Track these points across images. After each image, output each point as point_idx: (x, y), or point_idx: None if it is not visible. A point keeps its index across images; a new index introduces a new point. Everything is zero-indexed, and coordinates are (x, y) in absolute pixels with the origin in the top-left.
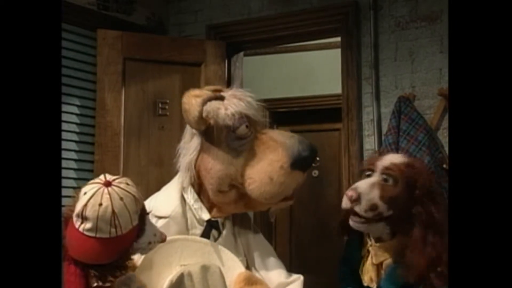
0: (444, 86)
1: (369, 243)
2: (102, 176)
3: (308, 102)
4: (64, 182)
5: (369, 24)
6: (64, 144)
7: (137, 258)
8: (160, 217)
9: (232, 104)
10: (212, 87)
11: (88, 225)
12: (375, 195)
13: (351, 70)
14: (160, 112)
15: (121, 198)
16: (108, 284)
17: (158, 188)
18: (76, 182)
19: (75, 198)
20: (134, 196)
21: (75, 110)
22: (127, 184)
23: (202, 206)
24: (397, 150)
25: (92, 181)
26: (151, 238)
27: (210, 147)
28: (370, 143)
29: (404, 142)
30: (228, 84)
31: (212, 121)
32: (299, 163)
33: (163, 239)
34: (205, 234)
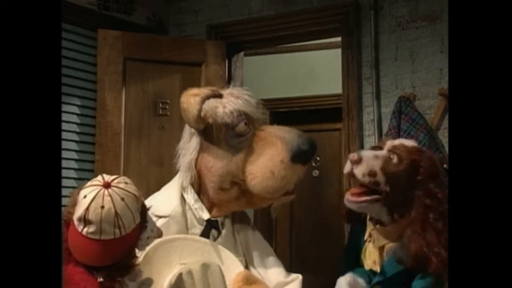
0: (444, 86)
1: (371, 227)
2: (100, 177)
3: (308, 102)
4: (65, 182)
5: (369, 24)
6: (65, 144)
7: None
8: (160, 217)
9: (230, 102)
10: (209, 88)
11: (91, 228)
12: (376, 164)
13: (351, 70)
14: (160, 112)
15: (122, 199)
16: (117, 284)
17: (158, 188)
18: (77, 182)
19: (72, 200)
20: (134, 195)
21: (76, 110)
22: (126, 183)
23: (202, 205)
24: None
25: (90, 182)
26: (149, 234)
27: (210, 146)
28: (370, 143)
29: None
30: (229, 84)
31: (210, 120)
32: (299, 156)
33: (159, 235)
34: (205, 234)
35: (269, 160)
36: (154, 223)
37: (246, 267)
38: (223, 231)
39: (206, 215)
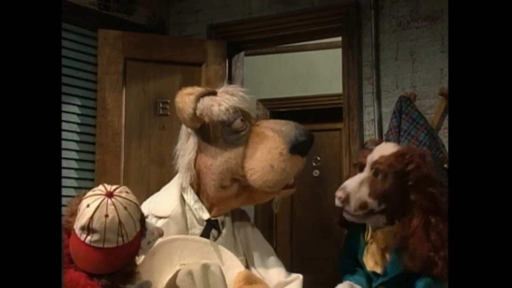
0: (445, 86)
1: (373, 229)
2: (101, 187)
3: (309, 102)
4: (65, 182)
5: (370, 24)
6: (65, 144)
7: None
8: (160, 217)
9: (225, 99)
10: (203, 87)
11: (95, 237)
12: (363, 193)
13: (352, 70)
14: (161, 112)
15: (125, 208)
16: (121, 286)
17: (159, 188)
18: (77, 182)
19: (70, 209)
20: (135, 204)
21: (76, 110)
22: (127, 192)
23: (202, 206)
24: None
25: (91, 192)
26: (150, 238)
27: (208, 145)
28: None
29: (405, 142)
30: (229, 84)
31: (207, 119)
32: (297, 147)
33: (160, 234)
34: (205, 234)
35: (267, 154)
36: (153, 226)
37: (247, 267)
38: (223, 231)
39: (206, 215)
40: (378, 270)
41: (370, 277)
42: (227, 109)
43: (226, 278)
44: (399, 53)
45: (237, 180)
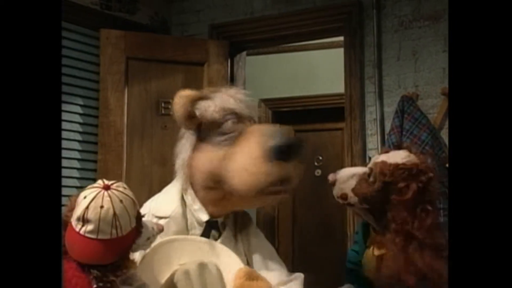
0: (447, 86)
1: (373, 234)
2: (100, 181)
3: (310, 101)
4: (68, 182)
5: (372, 24)
6: (67, 144)
7: (138, 257)
8: (160, 218)
9: (220, 100)
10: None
11: (89, 227)
12: (348, 185)
13: (354, 70)
14: (163, 111)
15: (121, 201)
16: (108, 285)
17: (161, 188)
18: (80, 182)
19: (70, 204)
20: (132, 199)
21: (78, 109)
22: (124, 188)
23: (201, 207)
24: (400, 149)
25: (90, 186)
26: (148, 234)
27: (201, 146)
28: (373, 143)
29: (407, 141)
30: (231, 83)
31: (203, 120)
32: (275, 153)
33: (160, 230)
34: (205, 235)
35: (242, 157)
36: (151, 223)
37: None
38: (224, 232)
39: (205, 217)
40: (372, 276)
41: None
42: (220, 109)
43: (226, 276)
44: (401, 52)
45: (221, 182)
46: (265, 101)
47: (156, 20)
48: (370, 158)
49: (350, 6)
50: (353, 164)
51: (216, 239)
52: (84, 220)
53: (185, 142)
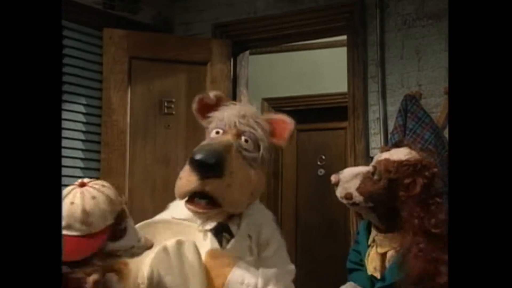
0: None
1: (374, 232)
2: (79, 180)
3: (314, 100)
4: (71, 181)
5: (375, 22)
6: (71, 143)
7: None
8: (179, 219)
9: (226, 114)
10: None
11: (62, 223)
12: (352, 185)
13: (357, 69)
14: (166, 111)
15: (93, 197)
16: (76, 281)
17: (163, 186)
18: None
19: None
20: (107, 196)
21: (82, 109)
22: (103, 185)
23: None
24: (400, 147)
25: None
26: (134, 242)
27: None
28: (376, 142)
29: (410, 140)
30: (234, 83)
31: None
32: (190, 165)
33: (148, 246)
34: (218, 238)
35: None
36: (141, 234)
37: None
38: (236, 234)
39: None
40: (377, 275)
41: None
42: (217, 120)
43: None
44: (405, 51)
45: None
46: (268, 100)
47: (159, 19)
48: (373, 158)
49: (353, 5)
50: (356, 164)
51: (228, 240)
52: None
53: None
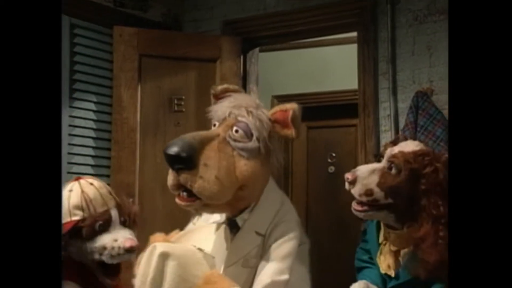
0: None
1: (386, 230)
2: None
3: (324, 98)
4: None
5: (386, 18)
6: (81, 141)
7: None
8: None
9: (229, 103)
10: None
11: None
12: (372, 180)
13: (367, 65)
14: (176, 108)
15: (70, 191)
16: None
17: None
18: None
19: None
20: (82, 192)
21: (92, 106)
22: (90, 184)
23: None
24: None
25: None
26: (107, 243)
27: None
28: (387, 139)
29: (421, 137)
30: (244, 80)
31: None
32: (165, 159)
33: (125, 247)
34: (230, 232)
35: None
36: (121, 235)
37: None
38: (242, 228)
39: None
40: (391, 273)
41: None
42: (212, 110)
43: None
44: (416, 47)
45: None
46: (278, 97)
47: (169, 17)
48: (376, 156)
49: (363, 1)
50: (366, 161)
51: (235, 234)
52: None
53: None
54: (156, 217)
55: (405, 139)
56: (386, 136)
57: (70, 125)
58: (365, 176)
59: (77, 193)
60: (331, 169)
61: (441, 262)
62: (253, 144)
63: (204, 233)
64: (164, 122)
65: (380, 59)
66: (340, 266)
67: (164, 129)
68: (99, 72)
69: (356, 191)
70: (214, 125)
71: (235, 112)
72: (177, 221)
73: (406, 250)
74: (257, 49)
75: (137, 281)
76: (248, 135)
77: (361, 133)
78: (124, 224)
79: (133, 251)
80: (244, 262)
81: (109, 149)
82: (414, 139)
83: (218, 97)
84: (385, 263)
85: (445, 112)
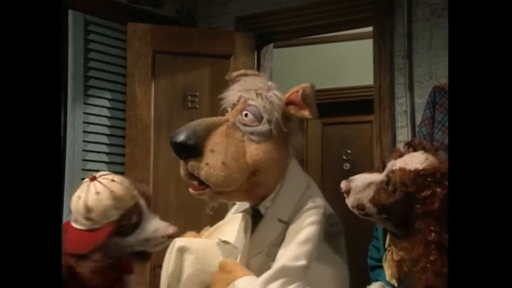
0: None
1: (390, 236)
2: (96, 173)
3: (339, 94)
4: None
5: (402, 13)
6: (96, 138)
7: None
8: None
9: (242, 87)
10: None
11: (72, 216)
12: (365, 195)
13: (383, 61)
14: (189, 105)
15: (97, 193)
16: (75, 275)
17: (188, 182)
18: None
19: None
20: (112, 191)
21: (106, 103)
22: (112, 180)
23: None
24: (431, 142)
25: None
26: (148, 235)
27: None
28: (403, 135)
29: (439, 133)
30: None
31: None
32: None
33: (169, 234)
34: (253, 220)
35: None
36: (159, 224)
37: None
38: (265, 216)
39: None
40: (393, 282)
41: None
42: (227, 96)
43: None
44: (433, 42)
45: None
46: None
47: (182, 13)
48: (384, 163)
49: None
50: (382, 157)
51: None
52: (70, 208)
53: None
54: (170, 213)
55: (420, 145)
56: (402, 132)
57: (84, 122)
58: (359, 189)
59: (107, 194)
60: (346, 166)
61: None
62: (263, 127)
63: (232, 225)
64: (178, 119)
65: (396, 54)
66: (356, 263)
67: (178, 126)
68: (113, 69)
69: (349, 202)
70: (227, 111)
71: (245, 95)
72: (192, 217)
73: (408, 262)
74: (271, 45)
75: (162, 276)
76: (258, 118)
77: (376, 130)
78: (149, 209)
79: (175, 236)
80: (269, 251)
81: (123, 146)
82: (432, 135)
83: (233, 82)
84: (388, 271)
85: None
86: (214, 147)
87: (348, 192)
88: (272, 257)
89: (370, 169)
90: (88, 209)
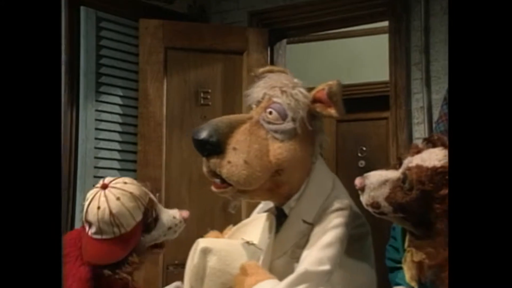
0: None
1: (409, 236)
2: (101, 181)
3: (354, 90)
4: (109, 173)
5: (419, 7)
6: (108, 135)
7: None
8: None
9: (267, 83)
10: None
11: (93, 229)
12: (381, 193)
13: (399, 56)
14: (202, 101)
15: (118, 198)
16: (120, 281)
17: (200, 178)
18: (120, 173)
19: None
20: (131, 193)
21: (118, 100)
22: (125, 183)
23: None
24: (434, 147)
25: (95, 186)
26: (169, 224)
27: None
28: (419, 132)
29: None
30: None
31: None
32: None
33: (184, 217)
34: (277, 221)
35: None
36: (172, 212)
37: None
38: (289, 217)
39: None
40: (414, 285)
41: None
42: (251, 93)
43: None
44: None
45: None
46: (307, 90)
47: (194, 8)
48: (400, 160)
49: None
50: (398, 154)
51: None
52: (87, 222)
53: None
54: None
55: (440, 141)
56: (418, 129)
57: (96, 119)
58: (374, 187)
59: (127, 197)
60: (362, 163)
61: None
62: (287, 125)
63: (255, 224)
64: (190, 116)
65: (412, 49)
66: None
67: (190, 123)
68: (125, 66)
69: (363, 200)
70: (252, 108)
71: (270, 93)
72: (204, 215)
73: (428, 263)
74: (284, 41)
75: (185, 276)
76: (283, 116)
77: (392, 126)
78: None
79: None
80: (292, 253)
81: (135, 144)
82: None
83: (259, 79)
84: (408, 274)
85: None
86: (237, 145)
87: (362, 189)
88: (296, 258)
89: (386, 167)
90: (114, 217)
